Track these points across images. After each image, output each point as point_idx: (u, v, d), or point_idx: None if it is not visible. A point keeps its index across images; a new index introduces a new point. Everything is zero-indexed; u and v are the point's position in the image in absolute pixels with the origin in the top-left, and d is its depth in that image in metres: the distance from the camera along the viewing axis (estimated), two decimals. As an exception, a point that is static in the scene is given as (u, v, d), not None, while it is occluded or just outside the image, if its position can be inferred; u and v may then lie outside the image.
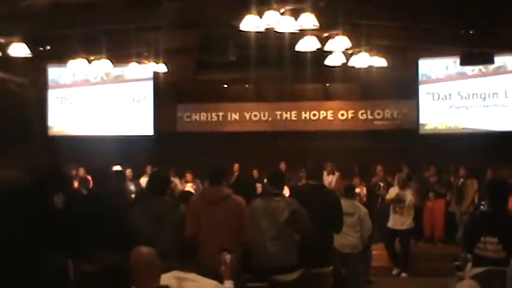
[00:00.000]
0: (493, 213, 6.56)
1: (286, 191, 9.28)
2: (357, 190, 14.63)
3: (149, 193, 7.16)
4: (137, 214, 6.90)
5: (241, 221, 6.60)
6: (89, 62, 14.94)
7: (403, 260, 13.89)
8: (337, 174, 16.76)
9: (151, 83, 18.79)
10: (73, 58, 14.85)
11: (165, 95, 19.09)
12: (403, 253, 13.89)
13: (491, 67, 16.40)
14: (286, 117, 19.07)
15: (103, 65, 15.18)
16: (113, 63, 15.45)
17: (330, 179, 16.46)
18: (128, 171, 15.76)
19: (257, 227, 6.95)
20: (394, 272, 13.89)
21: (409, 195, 13.72)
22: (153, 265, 4.74)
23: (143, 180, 15.28)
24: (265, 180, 14.92)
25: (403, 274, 13.78)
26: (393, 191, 13.89)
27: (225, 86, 19.70)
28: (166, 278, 5.04)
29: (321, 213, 7.49)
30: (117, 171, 10.26)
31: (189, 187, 15.78)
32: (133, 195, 13.46)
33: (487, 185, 6.97)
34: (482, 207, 13.33)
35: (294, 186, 11.53)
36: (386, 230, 13.75)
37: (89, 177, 8.39)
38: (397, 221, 13.66)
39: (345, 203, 9.76)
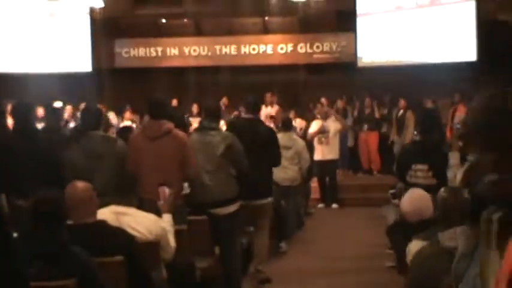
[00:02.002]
0: (422, 141, 6.73)
1: (223, 125, 9.32)
2: (293, 123, 14.65)
3: (83, 129, 7.07)
4: (74, 150, 6.85)
5: (184, 155, 6.58)
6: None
7: (331, 191, 13.93)
8: (276, 107, 16.80)
9: (88, 18, 18.42)
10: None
11: (102, 30, 18.76)
12: (331, 184, 13.92)
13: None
14: (225, 52, 19.01)
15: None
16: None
17: (268, 111, 16.48)
18: (68, 108, 15.54)
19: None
20: (320, 205, 13.89)
21: (332, 125, 13.52)
22: (88, 199, 4.74)
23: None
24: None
25: (334, 205, 13.88)
26: (316, 124, 13.76)
27: (164, 20, 19.45)
28: (104, 213, 5.05)
29: (258, 147, 7.55)
30: (50, 108, 10.07)
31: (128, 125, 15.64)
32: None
33: (417, 115, 7.15)
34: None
35: (229, 120, 11.55)
36: (315, 163, 13.29)
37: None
38: (324, 152, 13.54)
39: (282, 136, 9.86)
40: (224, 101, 16.70)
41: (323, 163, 13.50)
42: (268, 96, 16.10)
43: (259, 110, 8.68)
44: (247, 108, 8.20)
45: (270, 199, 8.02)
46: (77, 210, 4.65)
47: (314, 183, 13.73)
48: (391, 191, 9.29)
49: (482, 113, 2.07)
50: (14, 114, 7.19)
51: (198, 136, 7.22)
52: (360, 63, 17.83)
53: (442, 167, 6.53)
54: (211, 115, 7.37)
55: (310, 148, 12.92)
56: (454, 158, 6.59)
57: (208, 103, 7.74)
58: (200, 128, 7.38)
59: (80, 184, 4.79)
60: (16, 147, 6.56)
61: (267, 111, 15.67)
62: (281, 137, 9.50)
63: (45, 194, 4.31)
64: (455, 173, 6.21)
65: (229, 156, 7.06)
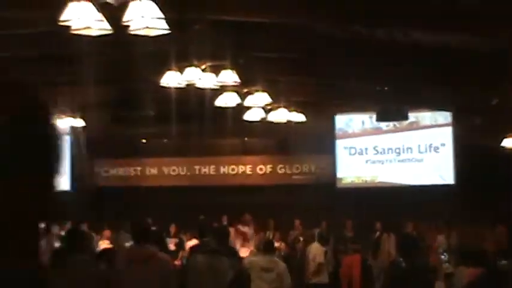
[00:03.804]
0: (407, 266, 6.68)
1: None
2: (276, 244, 14.59)
3: (65, 252, 6.95)
4: (56, 274, 6.69)
5: (168, 280, 6.50)
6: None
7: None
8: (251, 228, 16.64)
9: (68, 138, 18.46)
10: None
11: (82, 150, 18.74)
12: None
13: (405, 123, 16.81)
14: (204, 172, 19.06)
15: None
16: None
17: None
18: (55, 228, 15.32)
19: (200, 283, 6.87)
20: None
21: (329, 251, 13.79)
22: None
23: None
24: (183, 237, 14.87)
25: None
26: (316, 248, 13.92)
27: (144, 140, 19.56)
28: None
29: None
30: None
31: (106, 244, 15.44)
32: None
33: (397, 240, 7.14)
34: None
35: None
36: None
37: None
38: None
39: (263, 259, 9.74)
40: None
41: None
42: (246, 216, 16.09)
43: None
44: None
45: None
46: None
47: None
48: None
49: None
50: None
51: (204, 258, 7.11)
52: (339, 184, 17.91)
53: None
54: (220, 236, 7.28)
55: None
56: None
57: (218, 227, 7.69)
58: (206, 250, 7.27)
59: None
60: None
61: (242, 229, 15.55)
62: (261, 259, 9.41)
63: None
64: None
65: (236, 283, 6.97)
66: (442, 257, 13.09)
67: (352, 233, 16.13)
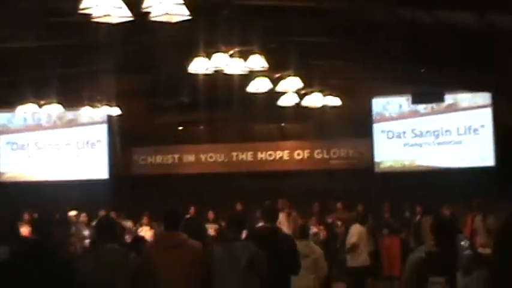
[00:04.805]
0: (439, 252, 6.54)
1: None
2: (315, 230, 14.52)
3: (97, 240, 6.99)
4: (87, 261, 6.75)
5: (200, 267, 6.50)
6: (40, 106, 14.77)
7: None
8: (293, 213, 16.61)
9: (105, 126, 18.64)
10: (22, 103, 14.66)
11: (119, 138, 18.91)
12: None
13: (443, 105, 16.58)
14: (242, 158, 19.02)
15: (54, 109, 15.02)
16: (64, 107, 15.30)
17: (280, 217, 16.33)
18: (83, 216, 15.53)
19: (218, 273, 6.84)
20: None
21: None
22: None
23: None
24: (222, 223, 14.87)
25: None
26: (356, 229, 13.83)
27: (180, 128, 19.60)
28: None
29: (277, 256, 7.43)
30: (60, 219, 10.00)
31: (146, 231, 15.58)
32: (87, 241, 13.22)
33: (431, 225, 6.97)
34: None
35: (250, 229, 11.42)
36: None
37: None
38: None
39: (299, 245, 9.67)
40: (238, 207, 16.58)
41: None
42: (280, 202, 16.02)
43: (277, 217, 8.62)
44: (266, 216, 8.13)
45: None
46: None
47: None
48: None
49: None
50: (35, 226, 7.09)
51: (221, 248, 7.11)
52: (377, 169, 17.74)
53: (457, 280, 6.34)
54: (234, 224, 7.29)
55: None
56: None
57: (231, 212, 7.70)
58: (222, 239, 7.29)
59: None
60: (31, 265, 6.40)
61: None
62: (298, 244, 9.33)
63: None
64: None
65: (253, 267, 6.94)
66: (462, 243, 12.86)
67: (390, 216, 15.98)
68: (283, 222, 15.85)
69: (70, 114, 18.19)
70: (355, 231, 13.74)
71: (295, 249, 8.07)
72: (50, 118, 18.57)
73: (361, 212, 15.67)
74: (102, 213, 15.91)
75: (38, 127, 18.90)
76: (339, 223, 15.76)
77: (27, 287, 6.27)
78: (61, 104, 14.98)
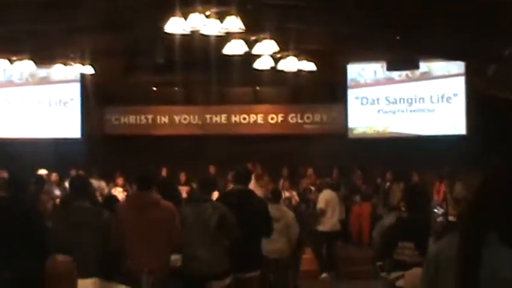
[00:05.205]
0: (409, 219, 6.64)
1: (214, 195, 9.24)
2: (287, 194, 14.63)
3: (69, 199, 6.99)
4: (59, 220, 6.76)
5: (172, 227, 6.54)
6: (11, 62, 14.59)
7: (330, 262, 13.95)
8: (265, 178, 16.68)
9: (78, 84, 18.46)
10: (-7, 58, 14.49)
11: (92, 97, 18.75)
12: (330, 255, 13.96)
13: (417, 72, 16.66)
14: (216, 121, 18.99)
15: (26, 66, 14.85)
16: (36, 64, 15.13)
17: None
18: (54, 175, 15.44)
19: (187, 234, 6.89)
20: (323, 275, 13.91)
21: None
22: (69, 275, 4.63)
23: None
24: (194, 185, 14.90)
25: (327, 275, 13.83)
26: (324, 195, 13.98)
27: (154, 88, 19.49)
28: (85, 285, 4.95)
29: (249, 218, 7.48)
30: (36, 176, 9.99)
31: (119, 191, 15.55)
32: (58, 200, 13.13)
33: (403, 191, 7.08)
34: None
35: (222, 191, 11.46)
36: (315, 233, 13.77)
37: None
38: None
39: (271, 208, 9.72)
40: (212, 170, 16.62)
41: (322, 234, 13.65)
42: (250, 166, 16.06)
43: (249, 181, 8.65)
44: (237, 179, 8.16)
45: (258, 272, 7.89)
46: (56, 285, 4.53)
47: (307, 255, 13.63)
48: (379, 263, 9.13)
49: None
50: (10, 182, 7.05)
51: (189, 208, 7.15)
52: (350, 135, 17.82)
53: (428, 246, 6.44)
54: (204, 186, 7.33)
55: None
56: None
57: (202, 174, 7.75)
58: (191, 200, 7.34)
59: (61, 258, 4.67)
60: (4, 219, 6.38)
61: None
62: (270, 208, 9.39)
63: (26, 268, 4.21)
64: None
65: (222, 228, 6.99)
66: (435, 210, 13.06)
67: (362, 182, 16.15)
68: (254, 186, 15.94)
69: (42, 72, 17.98)
70: (323, 197, 13.94)
71: (268, 212, 8.12)
72: (22, 75, 18.33)
73: (336, 177, 15.82)
74: (73, 172, 15.87)
75: (9, 84, 18.66)
76: (313, 188, 15.86)
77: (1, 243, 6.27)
78: (33, 60, 14.81)
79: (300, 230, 11.09)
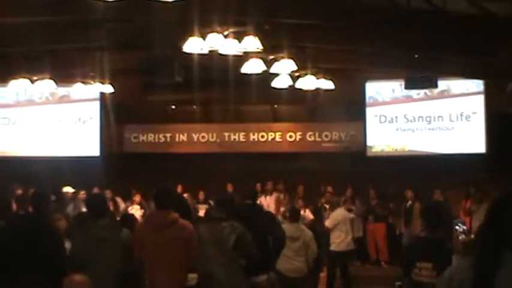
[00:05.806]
0: (427, 238, 6.57)
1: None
2: (302, 212, 14.55)
3: (89, 216, 7.02)
4: (78, 235, 6.79)
5: (189, 247, 6.53)
6: (32, 82, 14.72)
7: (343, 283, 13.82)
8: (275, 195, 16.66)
9: (97, 103, 18.58)
10: (15, 78, 14.61)
11: (112, 115, 18.86)
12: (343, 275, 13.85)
13: (435, 91, 16.61)
14: (234, 139, 18.99)
15: (47, 85, 14.98)
16: (57, 83, 15.26)
17: (267, 201, 16.42)
18: (82, 193, 15.45)
19: (203, 253, 6.88)
20: None
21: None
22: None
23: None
24: (211, 203, 14.90)
25: None
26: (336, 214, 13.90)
27: (173, 107, 19.58)
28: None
29: (260, 231, 7.50)
30: (57, 195, 10.04)
31: (136, 209, 15.58)
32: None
33: (421, 210, 7.00)
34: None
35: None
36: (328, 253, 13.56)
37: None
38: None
39: (289, 227, 9.73)
40: (229, 188, 16.62)
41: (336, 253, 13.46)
42: (269, 185, 16.10)
43: (256, 198, 8.77)
44: (245, 195, 8.26)
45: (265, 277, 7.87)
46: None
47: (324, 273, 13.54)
48: (397, 283, 9.07)
49: None
50: (33, 201, 7.07)
51: (206, 227, 7.14)
52: (369, 153, 17.78)
53: (446, 267, 6.36)
54: (221, 205, 7.33)
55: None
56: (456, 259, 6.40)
57: (220, 193, 7.77)
58: (208, 219, 7.32)
59: (78, 278, 4.69)
60: (24, 239, 6.40)
61: (266, 200, 15.62)
62: (288, 227, 9.42)
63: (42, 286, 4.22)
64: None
65: (239, 247, 6.98)
66: (457, 227, 12.92)
67: (377, 201, 16.05)
68: (271, 205, 15.97)
69: (62, 91, 18.12)
70: (332, 216, 13.82)
71: (277, 222, 8.18)
72: (42, 94, 18.49)
73: (349, 196, 15.73)
74: (96, 190, 15.93)
75: (30, 103, 18.83)
76: (327, 206, 15.78)
77: (23, 261, 6.29)
78: (54, 80, 14.94)
79: (318, 249, 11.05)
